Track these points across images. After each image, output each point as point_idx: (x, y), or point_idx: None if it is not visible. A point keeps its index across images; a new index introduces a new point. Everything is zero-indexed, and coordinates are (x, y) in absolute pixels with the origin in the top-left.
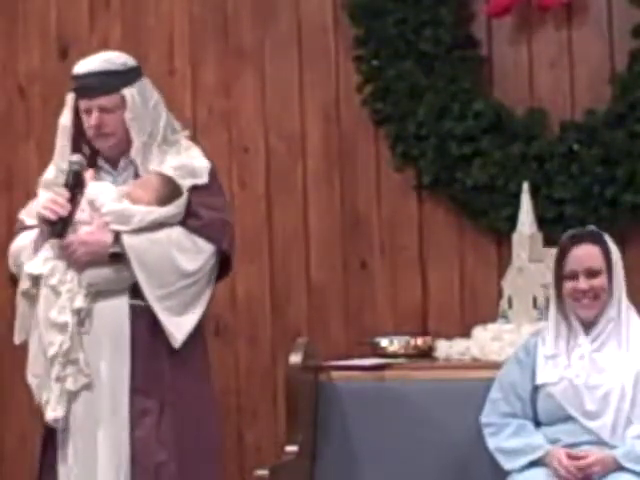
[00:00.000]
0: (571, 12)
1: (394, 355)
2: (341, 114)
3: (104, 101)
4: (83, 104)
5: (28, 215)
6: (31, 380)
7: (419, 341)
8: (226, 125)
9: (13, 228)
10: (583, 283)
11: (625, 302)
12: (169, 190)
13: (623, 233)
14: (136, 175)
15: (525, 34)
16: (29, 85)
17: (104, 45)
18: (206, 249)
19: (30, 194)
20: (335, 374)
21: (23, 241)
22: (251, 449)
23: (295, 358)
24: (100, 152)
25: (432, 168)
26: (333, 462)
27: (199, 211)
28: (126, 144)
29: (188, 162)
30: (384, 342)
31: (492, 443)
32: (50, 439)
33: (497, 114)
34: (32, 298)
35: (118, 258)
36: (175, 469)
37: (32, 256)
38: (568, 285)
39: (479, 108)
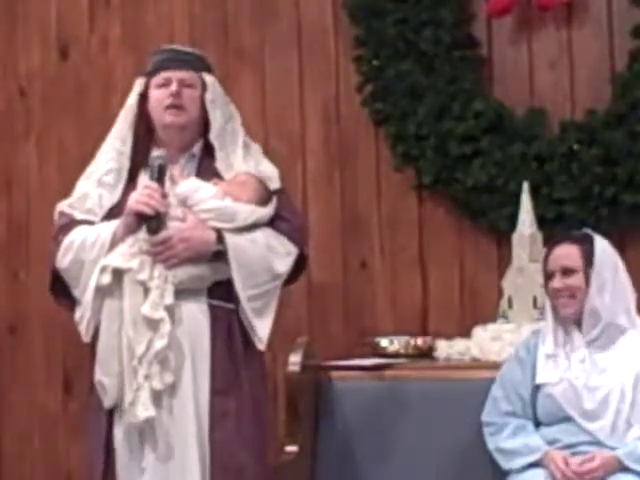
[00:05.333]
0: (571, 12)
1: (394, 355)
2: (341, 114)
3: (185, 75)
4: (162, 76)
5: (76, 209)
6: (103, 380)
7: (419, 341)
8: None
9: (12, 228)
10: (557, 282)
11: (623, 304)
12: (264, 191)
13: (623, 233)
14: (198, 171)
15: (525, 34)
16: (29, 85)
17: (104, 45)
18: (293, 252)
19: (30, 194)
20: (335, 374)
21: (83, 236)
22: None
23: (295, 358)
24: (162, 144)
25: (432, 168)
26: (333, 462)
27: (284, 214)
28: (194, 134)
29: (261, 167)
30: (384, 342)
31: (491, 443)
32: (111, 442)
33: (497, 114)
34: (107, 293)
35: (216, 257)
36: (255, 469)
37: (107, 251)
38: (549, 285)
39: (479, 108)
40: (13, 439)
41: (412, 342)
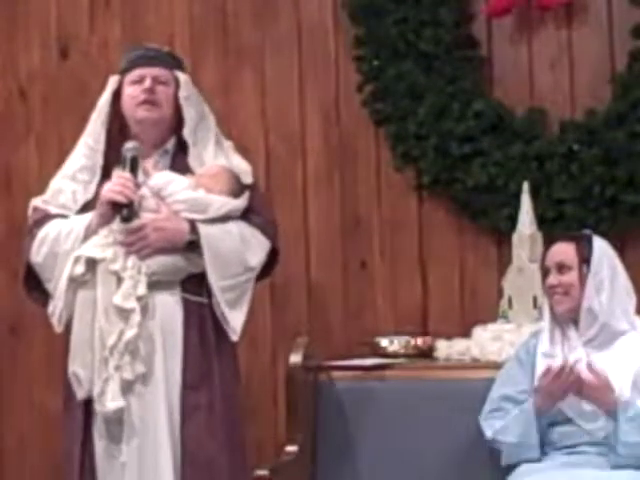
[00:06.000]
0: (571, 12)
1: (394, 355)
2: (341, 114)
3: (159, 72)
4: (136, 73)
5: (50, 204)
6: (77, 371)
7: (419, 341)
8: (226, 125)
9: (12, 228)
10: (552, 278)
11: (621, 305)
12: (237, 184)
13: (623, 233)
14: (171, 166)
15: (525, 34)
16: (29, 85)
17: (104, 45)
18: (265, 246)
19: (30, 194)
20: (335, 374)
21: (57, 229)
22: (251, 449)
23: (295, 358)
24: (135, 140)
25: (432, 168)
26: (333, 462)
27: (257, 208)
28: (167, 131)
29: (233, 163)
30: (384, 342)
31: (489, 432)
32: (86, 433)
33: (497, 114)
34: (81, 284)
35: (188, 247)
36: (226, 463)
37: (81, 242)
38: (545, 282)
39: (479, 108)
40: (13, 439)
41: (412, 342)
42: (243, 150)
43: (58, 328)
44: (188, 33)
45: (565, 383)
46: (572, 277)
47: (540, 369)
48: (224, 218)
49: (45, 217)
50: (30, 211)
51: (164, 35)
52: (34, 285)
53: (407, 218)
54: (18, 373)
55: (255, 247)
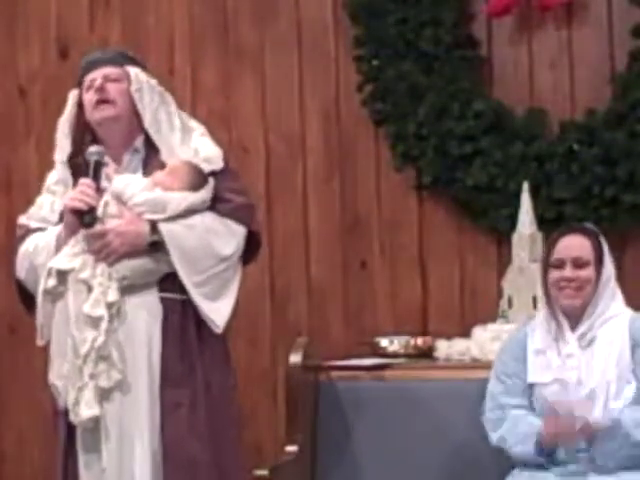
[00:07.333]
0: (571, 12)
1: (394, 355)
2: (341, 114)
3: (109, 70)
4: (88, 79)
5: (31, 219)
6: (56, 382)
7: (419, 341)
8: (226, 125)
9: (12, 228)
10: (569, 272)
11: (614, 299)
12: (197, 176)
13: (623, 233)
14: (144, 166)
15: (525, 34)
16: (29, 85)
17: (104, 45)
18: (238, 232)
19: (30, 194)
20: (335, 374)
21: (35, 243)
22: (251, 449)
23: (295, 358)
24: (104, 144)
25: (432, 168)
26: (333, 462)
27: (225, 195)
28: (131, 128)
29: (200, 149)
30: (384, 342)
31: (493, 438)
32: (70, 442)
33: (497, 114)
34: (57, 296)
35: (155, 248)
36: (209, 462)
37: (54, 253)
38: (554, 274)
39: (479, 108)
40: (13, 439)
41: (412, 342)
42: (243, 150)
43: (39, 341)
44: (188, 33)
45: (571, 429)
46: (590, 273)
47: (532, 367)
48: (187, 213)
49: (27, 232)
50: (17, 229)
51: (164, 35)
52: (30, 302)
53: (407, 218)
54: (18, 373)
55: (226, 236)
